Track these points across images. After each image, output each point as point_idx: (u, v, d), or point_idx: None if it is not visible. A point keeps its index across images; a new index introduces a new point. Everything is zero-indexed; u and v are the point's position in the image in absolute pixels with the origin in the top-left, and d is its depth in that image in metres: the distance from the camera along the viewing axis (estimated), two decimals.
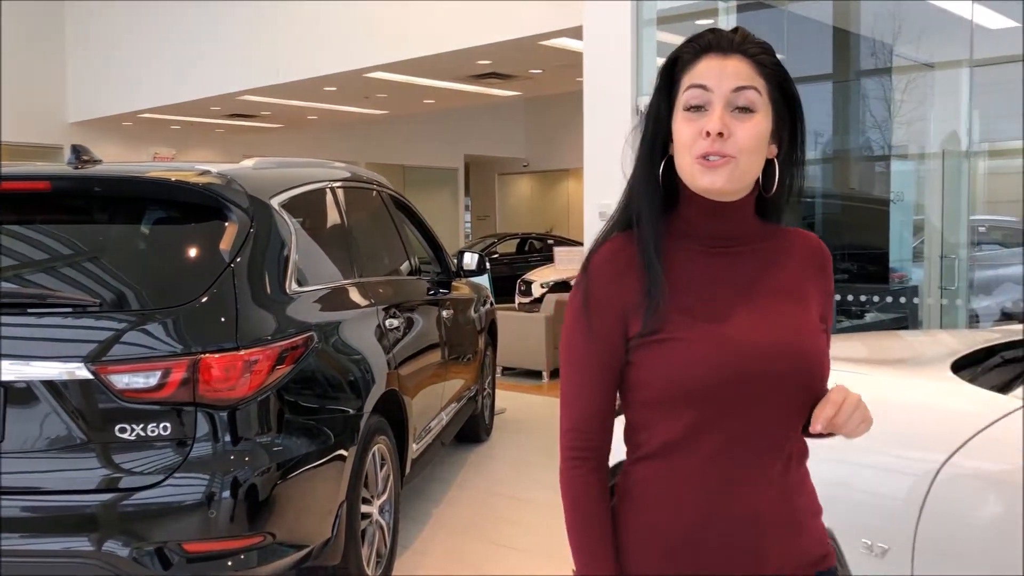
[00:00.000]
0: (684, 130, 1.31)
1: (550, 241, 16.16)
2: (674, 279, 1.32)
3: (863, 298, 6.23)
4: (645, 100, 5.54)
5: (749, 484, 1.32)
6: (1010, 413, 1.49)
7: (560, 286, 10.15)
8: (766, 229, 1.40)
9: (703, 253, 1.35)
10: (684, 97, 1.31)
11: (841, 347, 3.00)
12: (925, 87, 6.60)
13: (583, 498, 1.36)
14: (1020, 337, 2.02)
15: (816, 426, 1.28)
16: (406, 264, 4.73)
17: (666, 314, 1.30)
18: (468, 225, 20.58)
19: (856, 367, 2.15)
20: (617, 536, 1.37)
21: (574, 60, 7.42)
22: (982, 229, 6.85)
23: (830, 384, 1.36)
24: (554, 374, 8.55)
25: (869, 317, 6.05)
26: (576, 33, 6.47)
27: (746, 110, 1.29)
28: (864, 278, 6.94)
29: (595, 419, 1.36)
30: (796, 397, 1.32)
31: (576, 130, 5.94)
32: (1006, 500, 1.46)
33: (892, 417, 1.71)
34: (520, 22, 7.44)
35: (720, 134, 1.27)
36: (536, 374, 8.60)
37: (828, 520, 1.67)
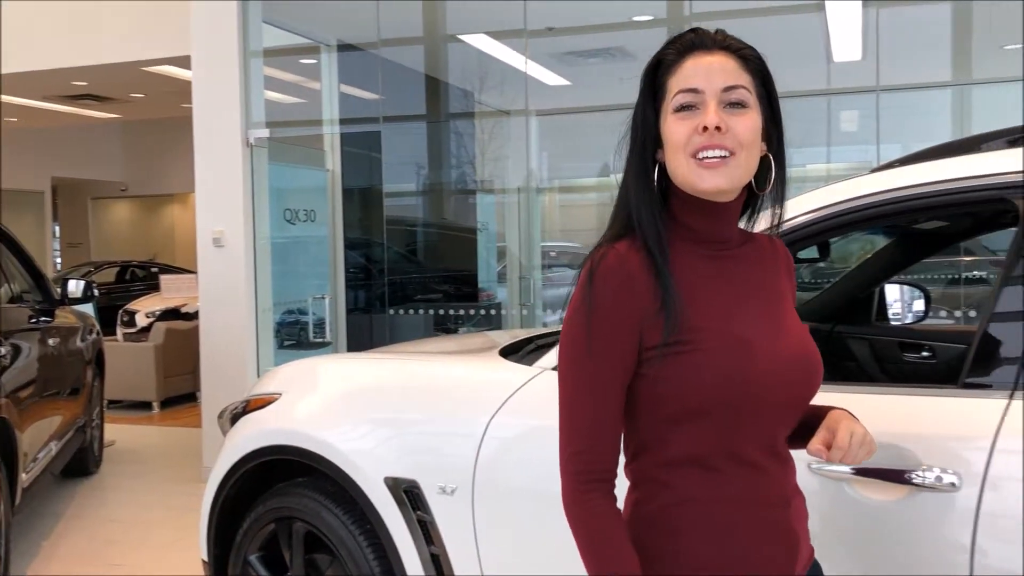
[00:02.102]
0: (678, 130, 1.26)
1: (154, 269, 15.48)
2: (683, 284, 1.27)
3: (460, 312, 7.05)
4: (255, 133, 5.78)
5: (781, 489, 1.33)
6: (533, 377, 2.10)
7: (169, 314, 9.84)
8: (744, 233, 1.38)
9: (705, 256, 1.31)
10: (675, 100, 1.27)
11: (438, 344, 3.62)
12: (504, 131, 7.62)
13: (601, 522, 1.25)
14: (554, 330, 2.70)
15: (814, 453, 1.31)
16: (4, 289, 4.56)
17: (684, 322, 1.24)
18: (57, 252, 18.92)
19: (446, 356, 2.75)
20: (654, 558, 1.28)
21: (179, 87, 7.42)
22: (553, 254, 8.11)
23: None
24: (164, 404, 8.38)
25: (463, 330, 6.87)
26: (180, 62, 6.50)
27: (739, 105, 1.26)
28: (458, 297, 7.89)
29: (606, 440, 1.27)
30: (804, 401, 1.33)
31: (181, 155, 5.95)
32: (536, 442, 2.04)
33: (458, 390, 2.27)
34: (120, 47, 7.25)
35: (718, 128, 1.23)
36: (146, 405, 8.36)
37: (415, 473, 2.17)
